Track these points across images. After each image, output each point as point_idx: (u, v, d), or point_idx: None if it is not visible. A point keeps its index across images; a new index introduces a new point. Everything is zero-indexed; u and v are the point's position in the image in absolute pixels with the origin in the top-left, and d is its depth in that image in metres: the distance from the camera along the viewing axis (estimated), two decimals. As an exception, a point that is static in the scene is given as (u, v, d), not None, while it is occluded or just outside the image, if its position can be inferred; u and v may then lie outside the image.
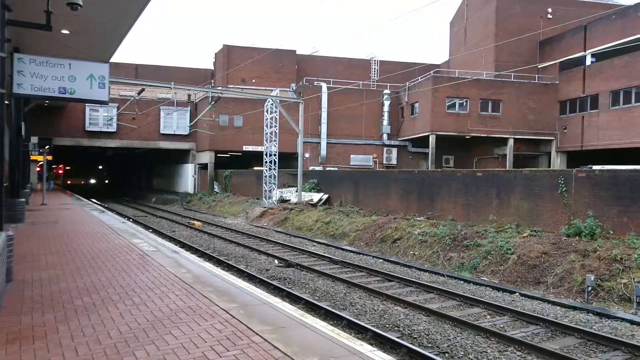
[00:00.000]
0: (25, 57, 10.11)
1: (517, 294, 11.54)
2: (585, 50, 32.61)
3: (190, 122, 39.96)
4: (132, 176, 64.51)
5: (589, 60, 32.48)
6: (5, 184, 12.07)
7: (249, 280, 11.90)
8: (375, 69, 49.68)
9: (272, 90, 36.70)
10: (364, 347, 5.11)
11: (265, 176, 29.33)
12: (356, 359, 4.73)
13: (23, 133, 18.74)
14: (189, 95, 42.21)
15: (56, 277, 7.87)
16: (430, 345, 8.02)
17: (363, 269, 14.09)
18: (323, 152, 38.34)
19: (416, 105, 36.83)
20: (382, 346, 7.76)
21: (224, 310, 6.21)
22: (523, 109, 34.71)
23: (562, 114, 34.40)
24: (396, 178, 21.97)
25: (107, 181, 70.55)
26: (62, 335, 5.15)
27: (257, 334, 5.30)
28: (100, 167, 70.27)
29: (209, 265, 9.47)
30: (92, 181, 68.42)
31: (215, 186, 39.85)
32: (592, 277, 10.99)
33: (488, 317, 9.78)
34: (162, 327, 5.49)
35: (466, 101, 34.52)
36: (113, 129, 39.06)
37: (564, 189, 14.31)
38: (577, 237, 13.22)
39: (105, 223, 16.31)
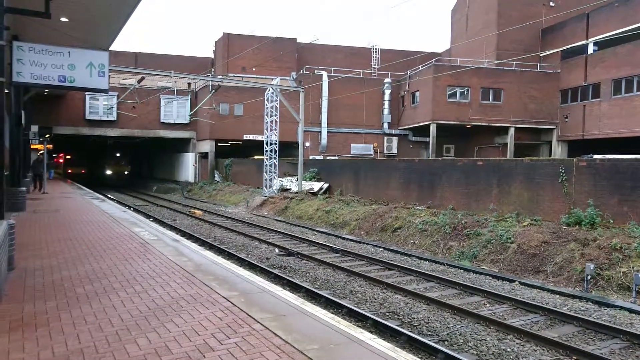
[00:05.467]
0: (25, 45, 10.05)
1: (517, 282, 11.59)
2: (587, 39, 32.40)
3: (190, 111, 39.82)
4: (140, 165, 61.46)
5: (591, 49, 32.29)
6: (5, 173, 12.07)
7: (250, 269, 11.95)
8: (376, 57, 49.39)
9: (272, 79, 36.55)
10: (364, 335, 5.14)
11: (266, 165, 29.31)
12: (356, 347, 4.76)
13: (23, 122, 18.69)
14: (189, 84, 42.06)
15: (58, 265, 7.90)
16: (430, 333, 8.07)
17: (363, 257, 14.14)
18: (323, 141, 38.28)
19: (417, 94, 36.69)
20: (382, 334, 7.81)
21: (225, 298, 6.24)
22: (524, 97, 34.58)
23: (563, 103, 34.27)
24: (397, 167, 21.96)
25: (126, 172, 52.52)
26: (64, 323, 5.18)
27: (258, 322, 5.33)
28: (118, 154, 52.96)
29: (209, 254, 9.50)
30: (108, 172, 51.39)
31: (216, 175, 39.86)
32: (592, 266, 11.03)
33: (488, 305, 9.83)
34: (163, 315, 5.52)
35: (467, 90, 34.38)
36: (113, 117, 38.94)
37: (564, 178, 14.30)
38: (577, 226, 13.24)
39: (106, 212, 16.34)
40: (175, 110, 40.94)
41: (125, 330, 5.01)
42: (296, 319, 5.53)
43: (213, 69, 49.37)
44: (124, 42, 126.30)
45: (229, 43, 46.06)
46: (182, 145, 44.15)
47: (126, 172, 52.66)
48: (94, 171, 55.17)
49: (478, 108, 34.35)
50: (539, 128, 35.19)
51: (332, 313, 7.31)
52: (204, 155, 40.80)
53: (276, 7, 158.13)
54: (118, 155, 52.89)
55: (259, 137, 35.31)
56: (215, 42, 50.27)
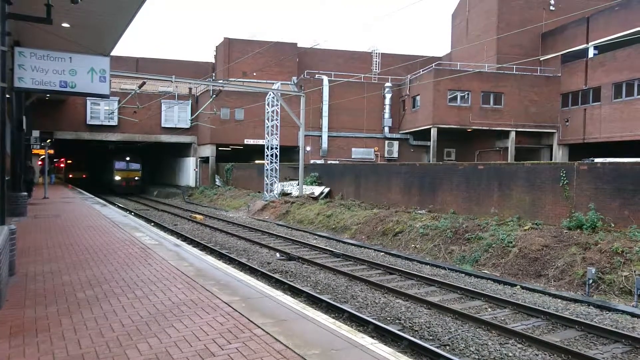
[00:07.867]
0: (26, 51, 10.07)
1: (518, 286, 11.56)
2: (587, 42, 32.43)
3: (191, 115, 39.90)
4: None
5: (591, 53, 32.32)
6: (7, 178, 12.08)
7: (251, 274, 11.94)
8: (376, 61, 49.50)
9: (273, 83, 36.64)
10: (365, 340, 5.13)
11: (267, 169, 29.33)
12: (357, 352, 4.75)
13: (24, 127, 18.72)
14: (190, 89, 42.15)
15: (58, 270, 7.90)
16: (431, 337, 8.05)
17: (364, 262, 14.12)
18: (324, 145, 38.29)
19: (418, 98, 36.72)
20: (383, 339, 7.79)
21: (226, 303, 6.23)
22: (525, 101, 34.59)
23: (564, 107, 34.28)
24: (397, 171, 21.95)
25: (136, 178, 45.49)
26: (65, 328, 5.17)
27: (259, 327, 5.32)
28: (128, 157, 45.12)
29: (210, 259, 9.50)
30: (117, 178, 44.24)
31: (217, 180, 39.89)
32: (593, 270, 11.01)
33: (489, 309, 9.81)
34: (164, 320, 5.51)
35: (468, 94, 34.40)
36: (114, 122, 39.03)
37: (565, 182, 14.29)
38: (578, 230, 13.22)
39: (107, 217, 16.34)
40: (176, 115, 41.04)
41: (126, 335, 5.00)
42: (297, 324, 5.53)
43: (214, 74, 49.45)
44: (125, 47, 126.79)
45: (230, 48, 46.20)
46: (183, 150, 44.18)
47: (136, 178, 45.74)
48: (100, 176, 51.85)
49: (479, 112, 34.36)
50: (540, 132, 35.17)
51: (333, 318, 7.29)
52: (205, 160, 40.84)
53: (277, 13, 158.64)
54: (128, 158, 45.19)
55: (260, 142, 35.37)
56: (216, 47, 50.43)
